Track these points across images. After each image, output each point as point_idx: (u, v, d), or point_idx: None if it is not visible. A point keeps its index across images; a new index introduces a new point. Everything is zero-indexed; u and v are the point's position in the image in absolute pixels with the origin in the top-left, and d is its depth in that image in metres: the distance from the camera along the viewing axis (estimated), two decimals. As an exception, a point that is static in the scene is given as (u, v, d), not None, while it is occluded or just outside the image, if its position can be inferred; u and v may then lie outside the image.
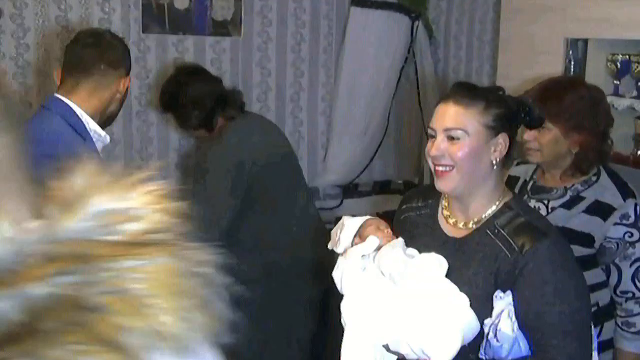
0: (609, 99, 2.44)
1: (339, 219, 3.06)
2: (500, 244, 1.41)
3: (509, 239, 1.40)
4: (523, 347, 1.38)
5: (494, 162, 1.44)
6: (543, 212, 1.86)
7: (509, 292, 1.38)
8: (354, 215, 3.19)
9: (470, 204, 1.48)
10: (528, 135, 1.83)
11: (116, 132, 3.06)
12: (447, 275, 1.43)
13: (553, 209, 1.86)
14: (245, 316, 0.53)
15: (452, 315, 1.35)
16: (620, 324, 1.88)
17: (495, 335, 1.37)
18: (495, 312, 1.38)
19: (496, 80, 2.97)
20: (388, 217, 3.14)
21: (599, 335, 1.86)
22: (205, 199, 2.25)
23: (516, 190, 1.94)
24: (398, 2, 3.66)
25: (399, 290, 1.39)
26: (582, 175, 1.86)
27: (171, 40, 3.23)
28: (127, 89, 1.91)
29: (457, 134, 1.41)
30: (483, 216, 1.47)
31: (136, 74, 3.17)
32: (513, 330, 1.36)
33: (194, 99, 2.39)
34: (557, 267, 1.38)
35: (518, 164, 2.04)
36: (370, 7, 3.57)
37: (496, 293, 1.39)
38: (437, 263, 1.41)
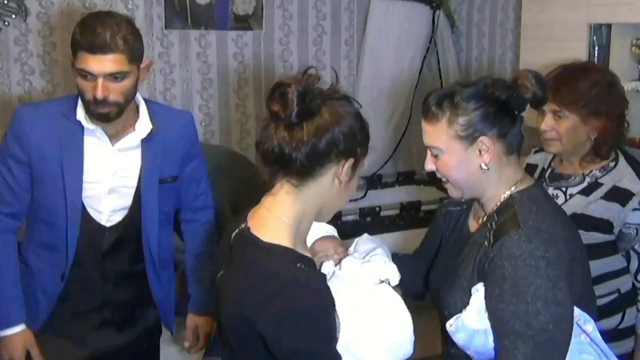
0: (634, 84, 2.40)
1: (363, 210, 3.10)
2: (487, 235, 1.35)
3: (493, 230, 1.34)
4: (492, 345, 1.30)
5: (483, 166, 1.37)
6: (561, 199, 1.85)
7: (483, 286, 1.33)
8: (379, 207, 3.18)
9: (482, 199, 1.45)
10: (545, 125, 1.80)
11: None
12: (453, 269, 1.42)
13: (571, 195, 1.84)
14: None
15: (382, 334, 1.32)
16: (642, 311, 1.85)
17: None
18: (469, 305, 1.33)
19: (519, 67, 2.94)
20: (412, 208, 3.17)
21: (620, 322, 1.84)
22: None
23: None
24: (419, -9, 3.64)
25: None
26: (602, 160, 1.84)
27: (194, 35, 3.27)
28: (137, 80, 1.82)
29: (435, 152, 1.41)
30: (492, 208, 1.42)
31: (160, 69, 3.22)
32: (479, 324, 1.30)
33: None
34: (520, 264, 1.26)
35: (536, 151, 2.02)
36: (390, -3, 3.57)
37: (476, 286, 1.34)
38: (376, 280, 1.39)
